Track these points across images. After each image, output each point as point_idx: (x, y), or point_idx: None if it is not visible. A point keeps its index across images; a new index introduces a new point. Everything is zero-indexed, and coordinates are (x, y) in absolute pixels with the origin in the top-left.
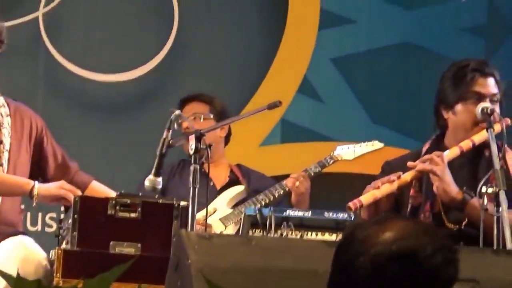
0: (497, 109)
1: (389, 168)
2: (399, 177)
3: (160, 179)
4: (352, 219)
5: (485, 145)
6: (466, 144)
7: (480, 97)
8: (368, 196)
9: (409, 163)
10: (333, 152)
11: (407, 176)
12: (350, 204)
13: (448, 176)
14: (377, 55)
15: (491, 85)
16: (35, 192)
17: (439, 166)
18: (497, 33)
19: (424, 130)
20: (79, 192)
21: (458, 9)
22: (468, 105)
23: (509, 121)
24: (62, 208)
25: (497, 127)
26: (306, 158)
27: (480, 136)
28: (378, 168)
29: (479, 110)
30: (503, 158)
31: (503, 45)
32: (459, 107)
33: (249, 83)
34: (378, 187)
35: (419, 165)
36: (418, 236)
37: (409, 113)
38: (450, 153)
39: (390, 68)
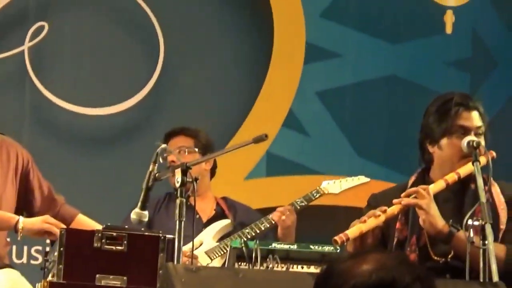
0: (482, 142)
1: (375, 201)
2: (384, 211)
3: (146, 212)
4: (338, 251)
5: (471, 178)
6: (452, 177)
7: (465, 131)
8: (354, 230)
9: (394, 200)
10: (319, 186)
11: (393, 210)
12: (336, 238)
13: (434, 210)
14: (363, 88)
15: (475, 119)
16: (20, 226)
17: (424, 199)
18: (481, 66)
19: (409, 164)
20: (63, 226)
21: (443, 43)
22: (453, 139)
23: (494, 154)
24: (48, 241)
25: (483, 160)
26: (291, 191)
27: (465, 169)
28: (364, 201)
29: (465, 143)
30: (489, 191)
31: (488, 78)
32: (444, 141)
33: (235, 116)
34: (364, 221)
35: (405, 199)
36: (397, 266)
37: (395, 146)
38: (436, 187)
39: (376, 101)
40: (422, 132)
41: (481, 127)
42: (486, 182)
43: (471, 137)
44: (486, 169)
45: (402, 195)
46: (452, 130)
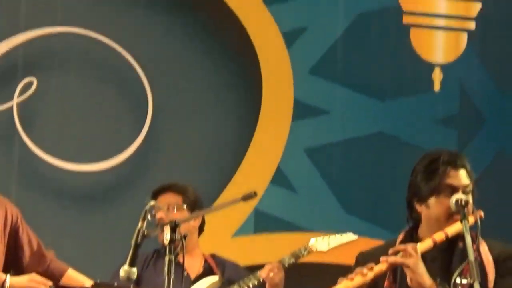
0: (470, 200)
1: (363, 259)
2: (371, 269)
3: (135, 269)
4: None
5: (459, 236)
6: (440, 236)
7: (453, 190)
8: (341, 287)
9: (382, 258)
10: (307, 243)
11: (380, 267)
12: None
13: (421, 268)
14: (351, 145)
15: (463, 177)
16: (7, 285)
17: (412, 258)
18: (469, 122)
19: (397, 221)
20: (49, 283)
21: (431, 100)
22: (441, 198)
23: (482, 214)
24: None
25: (471, 219)
26: (279, 249)
27: (453, 228)
28: (352, 259)
29: (454, 202)
30: (477, 250)
31: (475, 135)
32: (432, 200)
33: (223, 173)
34: (352, 279)
35: (392, 258)
36: None
37: (382, 203)
38: (423, 245)
39: (364, 158)
40: (409, 191)
41: (468, 185)
42: (474, 240)
43: (459, 196)
44: (474, 227)
45: (390, 252)
46: (440, 189)
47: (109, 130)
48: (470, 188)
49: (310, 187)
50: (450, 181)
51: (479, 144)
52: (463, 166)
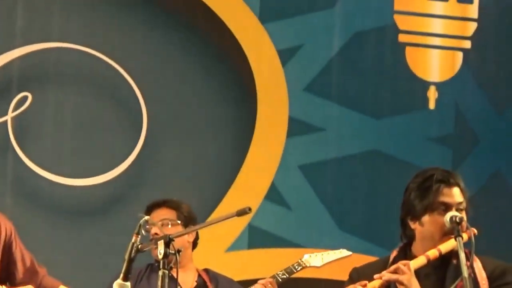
0: (464, 217)
1: (357, 275)
2: (365, 286)
3: (128, 284)
4: None
5: (453, 253)
6: (433, 254)
7: (447, 207)
8: None
9: (375, 275)
10: (301, 259)
11: (374, 284)
12: None
13: (414, 285)
14: (345, 163)
15: (456, 195)
16: None
17: (405, 275)
18: (464, 142)
19: (391, 238)
20: None
21: (426, 119)
22: (435, 216)
23: (476, 231)
24: None
25: (465, 236)
26: (273, 264)
27: (447, 245)
28: (345, 275)
29: (448, 219)
30: (471, 266)
31: (470, 154)
32: (426, 218)
33: (217, 188)
34: None
35: (386, 275)
36: None
37: (376, 220)
38: (417, 262)
39: (358, 176)
40: (403, 209)
41: (462, 202)
42: (468, 257)
43: (453, 213)
44: (468, 244)
45: (383, 272)
46: (434, 207)
47: (104, 145)
48: (464, 205)
49: (304, 204)
50: (444, 198)
51: (474, 164)
52: (457, 184)
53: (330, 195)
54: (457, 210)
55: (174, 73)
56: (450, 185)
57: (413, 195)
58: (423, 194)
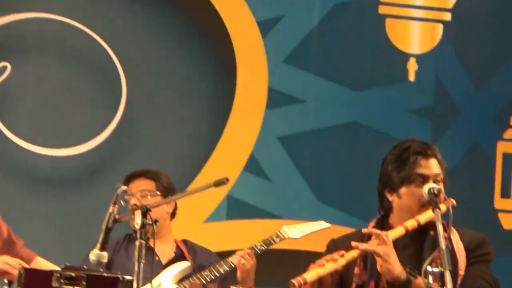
0: (442, 189)
1: (334, 246)
2: (342, 256)
3: (105, 253)
4: None
5: (430, 224)
6: (412, 224)
7: (424, 179)
8: (312, 274)
9: (353, 243)
10: (279, 230)
11: (352, 254)
12: (294, 280)
13: (392, 256)
14: (324, 134)
15: (433, 166)
16: None
17: (383, 246)
18: (444, 114)
19: (370, 210)
20: (24, 264)
21: (405, 90)
22: (412, 188)
23: (454, 202)
24: (6, 281)
25: (443, 207)
26: (251, 235)
27: (425, 216)
28: (323, 246)
29: (426, 191)
30: (448, 238)
31: (450, 127)
32: (403, 190)
33: (196, 160)
34: (323, 265)
35: (363, 244)
36: None
37: (355, 192)
38: (395, 233)
39: (337, 147)
40: (381, 181)
41: (439, 174)
42: (446, 229)
43: (432, 185)
44: (446, 215)
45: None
46: (411, 179)
47: (83, 116)
48: (441, 177)
49: (283, 175)
50: (421, 170)
51: (453, 136)
52: (434, 155)
53: (309, 166)
54: (434, 181)
55: (154, 46)
56: (427, 156)
57: (390, 167)
58: (400, 166)
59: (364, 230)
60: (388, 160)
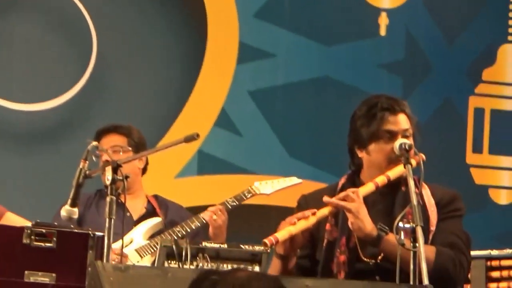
0: (412, 144)
1: (305, 202)
2: (314, 214)
3: (76, 209)
4: (268, 251)
5: (401, 180)
6: (382, 180)
7: (392, 135)
8: (283, 233)
9: (325, 199)
10: (251, 186)
11: (323, 211)
12: (266, 240)
13: (363, 213)
14: (295, 89)
15: (402, 122)
16: None
17: (354, 203)
18: (415, 69)
19: (341, 165)
20: None
21: (376, 45)
22: (381, 144)
23: (424, 156)
24: None
25: (413, 162)
26: (223, 191)
27: (395, 172)
28: (294, 201)
29: (397, 146)
30: (419, 194)
31: (422, 83)
32: (372, 146)
33: (167, 115)
34: (294, 223)
35: (334, 200)
36: (250, 281)
37: (326, 147)
38: (365, 189)
39: (308, 102)
40: (350, 137)
41: (408, 129)
42: (417, 184)
43: (403, 140)
44: (417, 171)
45: (333, 198)
46: (379, 135)
47: (53, 71)
48: (410, 132)
49: (254, 130)
50: (389, 126)
51: (424, 91)
52: (402, 110)
53: (280, 121)
54: (403, 137)
55: (125, 2)
56: (395, 112)
57: (359, 123)
58: (368, 123)
59: (325, 199)
60: (356, 116)
